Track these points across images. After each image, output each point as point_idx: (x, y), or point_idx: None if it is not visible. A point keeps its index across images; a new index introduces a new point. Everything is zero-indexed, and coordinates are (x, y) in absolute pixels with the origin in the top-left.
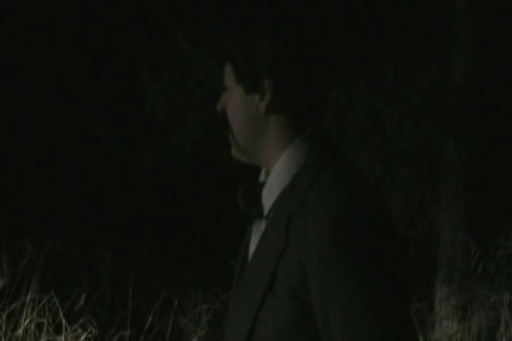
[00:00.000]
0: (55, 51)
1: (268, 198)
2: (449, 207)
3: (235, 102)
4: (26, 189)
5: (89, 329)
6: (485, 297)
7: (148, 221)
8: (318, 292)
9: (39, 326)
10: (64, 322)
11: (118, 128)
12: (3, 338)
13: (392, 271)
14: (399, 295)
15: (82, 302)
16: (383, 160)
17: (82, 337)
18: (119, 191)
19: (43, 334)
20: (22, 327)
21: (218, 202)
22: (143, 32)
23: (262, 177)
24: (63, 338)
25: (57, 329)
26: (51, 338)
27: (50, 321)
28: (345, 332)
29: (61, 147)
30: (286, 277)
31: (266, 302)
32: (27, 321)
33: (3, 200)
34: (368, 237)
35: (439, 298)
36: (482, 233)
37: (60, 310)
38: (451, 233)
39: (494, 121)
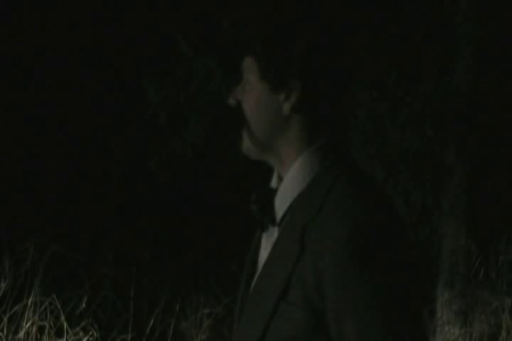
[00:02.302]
0: (56, 53)
1: (281, 204)
2: (451, 212)
3: (256, 97)
4: (28, 191)
5: (90, 333)
6: (486, 302)
7: (150, 224)
8: (334, 302)
9: (40, 329)
10: (65, 325)
11: (119, 132)
12: None
13: (407, 282)
14: (413, 307)
15: (83, 305)
16: (385, 164)
17: (84, 340)
18: (120, 194)
19: (45, 337)
20: (23, 330)
21: (221, 205)
22: (144, 34)
23: (273, 183)
24: None
25: (59, 332)
26: None
27: (52, 324)
28: None
29: (63, 150)
30: (301, 285)
31: (279, 309)
32: (28, 324)
33: (5, 203)
34: (385, 248)
35: (441, 303)
36: (483, 238)
37: (62, 313)
38: (453, 238)
39: (495, 125)
